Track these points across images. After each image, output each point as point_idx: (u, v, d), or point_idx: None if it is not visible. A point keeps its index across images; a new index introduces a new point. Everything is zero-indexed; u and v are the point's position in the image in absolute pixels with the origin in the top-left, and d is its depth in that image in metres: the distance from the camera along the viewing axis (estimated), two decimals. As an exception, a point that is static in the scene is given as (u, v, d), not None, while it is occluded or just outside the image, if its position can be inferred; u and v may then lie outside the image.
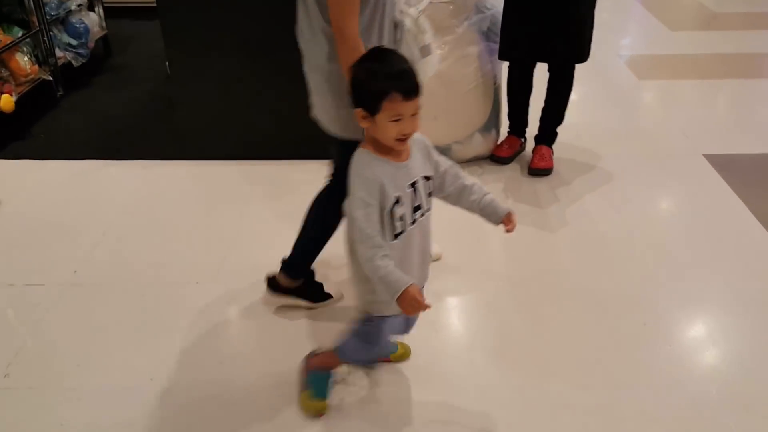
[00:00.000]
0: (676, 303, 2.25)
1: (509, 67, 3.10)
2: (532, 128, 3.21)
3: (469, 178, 1.70)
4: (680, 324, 2.17)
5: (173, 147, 3.39)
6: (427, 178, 1.61)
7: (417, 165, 1.58)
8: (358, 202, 1.50)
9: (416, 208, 1.59)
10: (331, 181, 2.05)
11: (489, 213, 1.67)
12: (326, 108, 1.86)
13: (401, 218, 1.55)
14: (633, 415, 1.82)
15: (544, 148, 3.14)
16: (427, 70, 2.16)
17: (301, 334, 2.16)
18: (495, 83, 3.12)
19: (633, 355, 2.04)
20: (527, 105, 3.19)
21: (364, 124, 1.52)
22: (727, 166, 3.12)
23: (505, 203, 1.97)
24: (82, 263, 2.52)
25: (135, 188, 3.08)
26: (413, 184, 1.56)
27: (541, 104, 3.10)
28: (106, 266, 2.52)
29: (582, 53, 2.88)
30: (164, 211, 2.89)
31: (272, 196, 2.99)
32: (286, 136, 3.26)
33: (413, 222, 1.59)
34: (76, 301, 2.32)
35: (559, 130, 3.14)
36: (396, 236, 1.56)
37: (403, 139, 1.50)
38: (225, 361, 2.06)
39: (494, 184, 3.01)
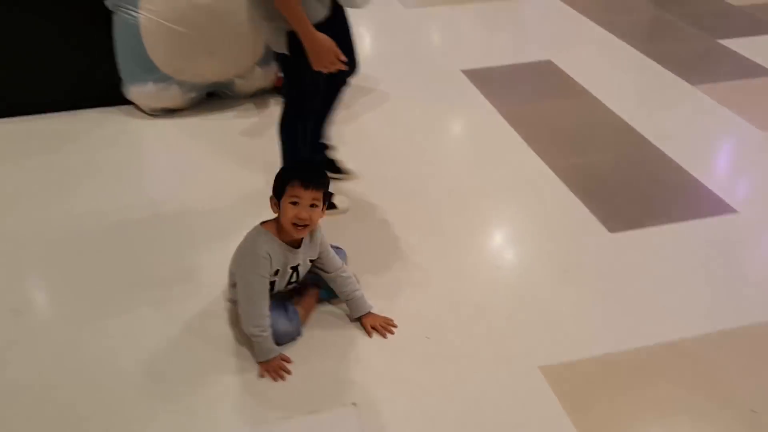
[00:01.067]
0: (451, 193, 2.61)
1: None
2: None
3: (347, 269, 1.98)
4: (459, 213, 2.53)
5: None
6: (312, 261, 1.93)
7: (304, 252, 1.87)
8: (258, 278, 1.78)
9: (290, 282, 1.91)
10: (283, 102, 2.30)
11: (353, 307, 1.97)
12: (263, 28, 2.06)
13: (274, 284, 1.86)
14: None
15: (322, 76, 3.33)
16: None
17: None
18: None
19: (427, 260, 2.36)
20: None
21: (274, 210, 1.80)
22: (480, 78, 3.56)
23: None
24: None
25: None
26: (295, 267, 1.87)
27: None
28: None
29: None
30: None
31: (52, 149, 2.89)
32: (46, 88, 3.14)
33: (283, 288, 1.92)
34: None
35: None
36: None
37: (299, 224, 1.75)
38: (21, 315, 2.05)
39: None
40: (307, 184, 1.74)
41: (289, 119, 2.27)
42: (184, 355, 1.88)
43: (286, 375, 1.79)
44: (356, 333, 1.95)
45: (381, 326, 1.95)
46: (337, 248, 2.06)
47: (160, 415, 1.70)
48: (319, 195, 1.76)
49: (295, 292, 1.99)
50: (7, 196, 2.59)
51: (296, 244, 1.84)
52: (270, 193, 1.81)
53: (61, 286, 2.15)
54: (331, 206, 2.47)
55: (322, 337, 1.93)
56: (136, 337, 1.93)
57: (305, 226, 1.76)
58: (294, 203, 1.73)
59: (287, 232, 1.79)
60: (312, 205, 1.75)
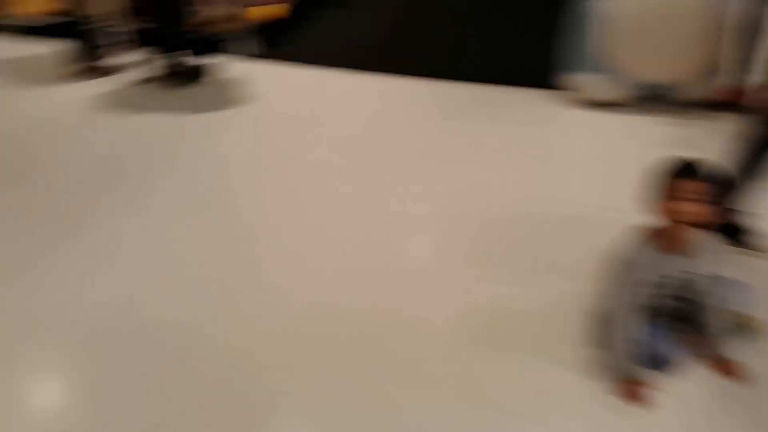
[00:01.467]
0: None
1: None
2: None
3: (719, 303, 1.73)
4: None
5: (411, 65, 3.68)
6: (700, 276, 1.68)
7: (687, 263, 1.66)
8: (622, 286, 1.69)
9: (672, 298, 1.72)
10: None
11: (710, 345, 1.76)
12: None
13: (647, 296, 1.69)
14: None
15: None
16: None
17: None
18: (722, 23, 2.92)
19: None
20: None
21: (660, 212, 1.62)
22: None
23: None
24: (328, 153, 2.92)
25: (376, 98, 3.45)
26: (674, 279, 1.67)
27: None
28: (353, 155, 2.89)
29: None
30: (398, 120, 3.22)
31: (503, 119, 3.16)
32: (489, 62, 3.49)
33: (667, 305, 1.73)
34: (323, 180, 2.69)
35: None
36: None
37: (682, 220, 1.58)
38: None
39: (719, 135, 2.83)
40: (687, 176, 1.57)
41: (762, 141, 2.10)
42: (538, 347, 1.86)
43: (640, 401, 1.65)
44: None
45: (724, 369, 1.73)
46: (737, 282, 1.80)
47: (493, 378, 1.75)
48: (704, 188, 1.55)
49: (691, 326, 1.79)
50: (445, 152, 2.89)
51: (679, 253, 1.65)
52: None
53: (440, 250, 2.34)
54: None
55: (714, 381, 1.71)
56: (489, 317, 1.99)
57: (689, 223, 1.57)
58: (676, 198, 1.57)
59: (669, 236, 1.63)
60: (696, 200, 1.55)
